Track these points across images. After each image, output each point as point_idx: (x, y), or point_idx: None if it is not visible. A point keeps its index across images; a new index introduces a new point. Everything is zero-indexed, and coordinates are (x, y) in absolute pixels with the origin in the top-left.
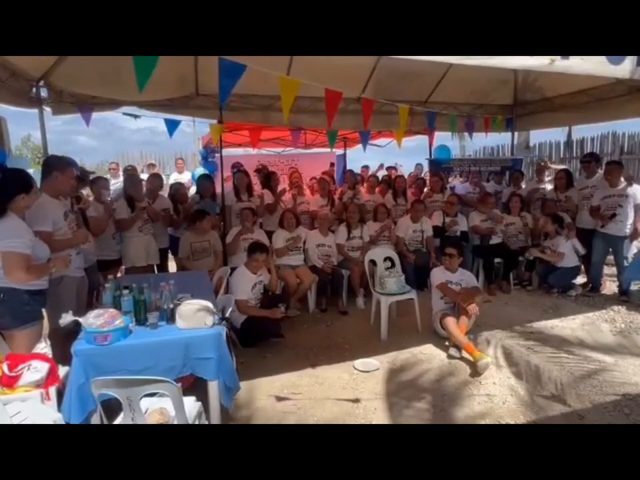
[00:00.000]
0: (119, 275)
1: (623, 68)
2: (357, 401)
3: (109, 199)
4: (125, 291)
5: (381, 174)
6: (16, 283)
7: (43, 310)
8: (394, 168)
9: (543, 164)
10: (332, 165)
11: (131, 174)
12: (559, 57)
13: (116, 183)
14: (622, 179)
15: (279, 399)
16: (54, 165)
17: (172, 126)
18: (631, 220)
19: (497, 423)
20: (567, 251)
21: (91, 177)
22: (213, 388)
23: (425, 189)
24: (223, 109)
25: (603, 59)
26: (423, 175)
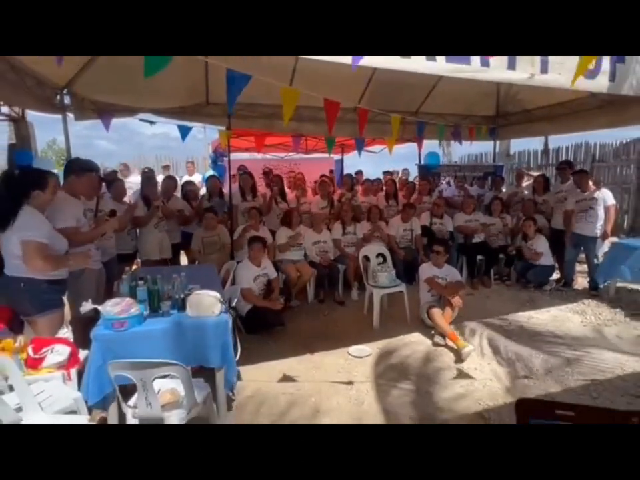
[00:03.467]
0: (134, 267)
1: (598, 82)
2: (350, 383)
3: (127, 199)
4: (140, 282)
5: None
6: (35, 273)
7: (64, 298)
8: (390, 173)
9: (521, 171)
10: (331, 172)
11: (148, 176)
12: (538, 72)
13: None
14: (591, 184)
15: (280, 382)
16: (72, 168)
17: (184, 131)
18: (601, 221)
19: (479, 412)
20: (545, 250)
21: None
22: (220, 371)
23: (415, 193)
24: (230, 117)
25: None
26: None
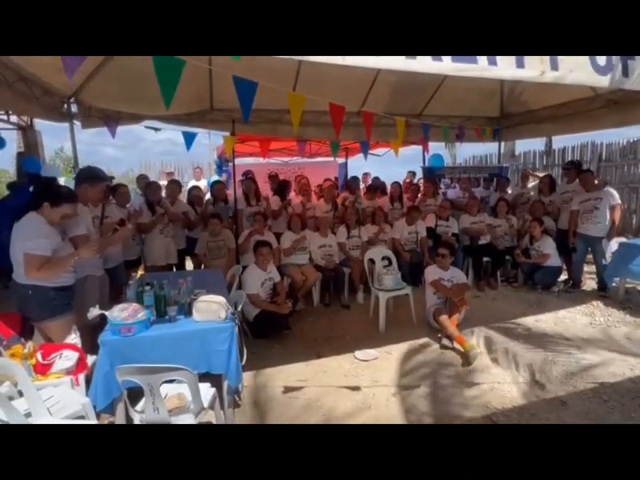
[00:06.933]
0: (140, 272)
1: (611, 78)
2: (357, 387)
3: (130, 206)
4: (147, 287)
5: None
6: (40, 280)
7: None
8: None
9: (526, 172)
10: (336, 179)
11: (149, 182)
12: (549, 69)
13: None
14: (596, 183)
15: (287, 386)
16: (85, 177)
17: (189, 139)
18: (607, 221)
19: (488, 416)
20: (552, 251)
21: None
22: (226, 376)
23: (419, 194)
24: (234, 122)
25: (590, 69)
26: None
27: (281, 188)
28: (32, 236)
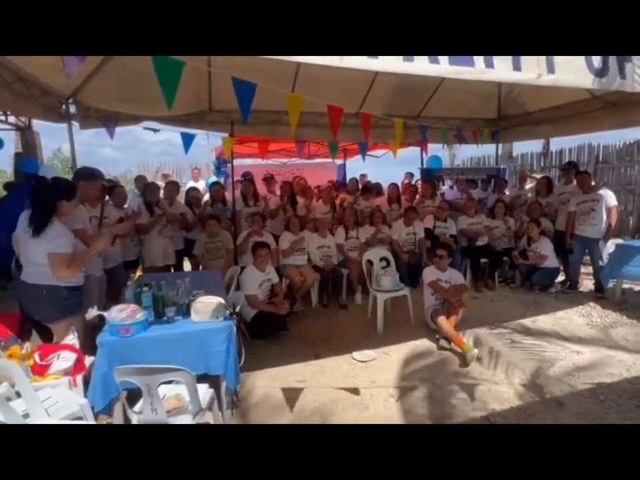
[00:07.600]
0: (138, 273)
1: (609, 80)
2: (355, 388)
3: (127, 207)
4: (145, 288)
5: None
6: (58, 280)
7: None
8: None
9: (524, 173)
10: (336, 181)
11: (148, 182)
12: (545, 71)
13: None
14: (593, 185)
15: (285, 386)
16: (82, 175)
17: (187, 141)
18: (604, 223)
19: (486, 416)
20: (549, 252)
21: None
22: (223, 377)
23: (417, 196)
24: (233, 123)
25: (586, 72)
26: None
27: (294, 199)
28: (53, 237)
